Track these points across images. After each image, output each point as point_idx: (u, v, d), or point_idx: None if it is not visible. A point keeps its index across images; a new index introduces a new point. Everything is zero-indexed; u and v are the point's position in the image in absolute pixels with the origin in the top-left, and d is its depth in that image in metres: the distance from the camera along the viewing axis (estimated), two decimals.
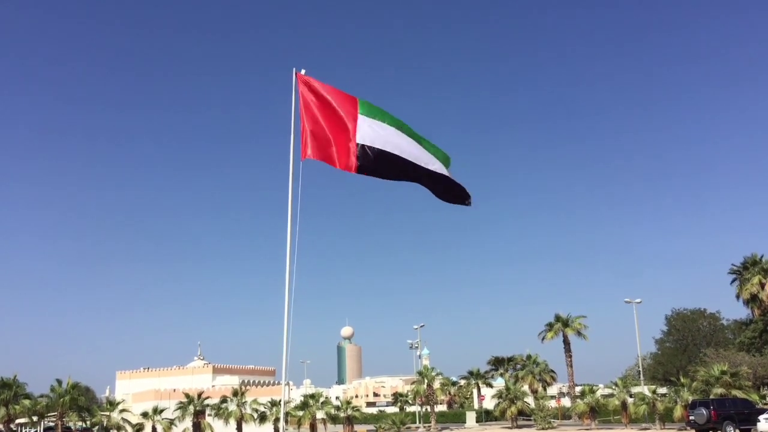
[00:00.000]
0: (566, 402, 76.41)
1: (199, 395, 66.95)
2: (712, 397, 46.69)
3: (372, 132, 10.10)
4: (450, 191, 10.33)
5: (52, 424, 65.53)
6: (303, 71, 10.69)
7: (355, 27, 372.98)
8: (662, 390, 60.12)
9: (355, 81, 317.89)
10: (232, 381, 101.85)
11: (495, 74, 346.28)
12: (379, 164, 10.05)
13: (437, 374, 73.23)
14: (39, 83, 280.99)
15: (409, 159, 10.07)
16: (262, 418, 64.30)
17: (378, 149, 9.98)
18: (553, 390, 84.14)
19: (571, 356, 66.97)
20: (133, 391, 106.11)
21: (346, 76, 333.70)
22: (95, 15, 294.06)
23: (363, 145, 10.02)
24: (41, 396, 60.10)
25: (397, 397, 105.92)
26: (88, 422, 64.92)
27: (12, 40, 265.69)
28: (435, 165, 10.21)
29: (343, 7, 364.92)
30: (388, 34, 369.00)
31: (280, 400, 64.02)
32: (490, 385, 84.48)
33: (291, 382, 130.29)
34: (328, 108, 10.45)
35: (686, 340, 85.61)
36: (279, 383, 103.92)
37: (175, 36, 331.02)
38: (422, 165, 10.11)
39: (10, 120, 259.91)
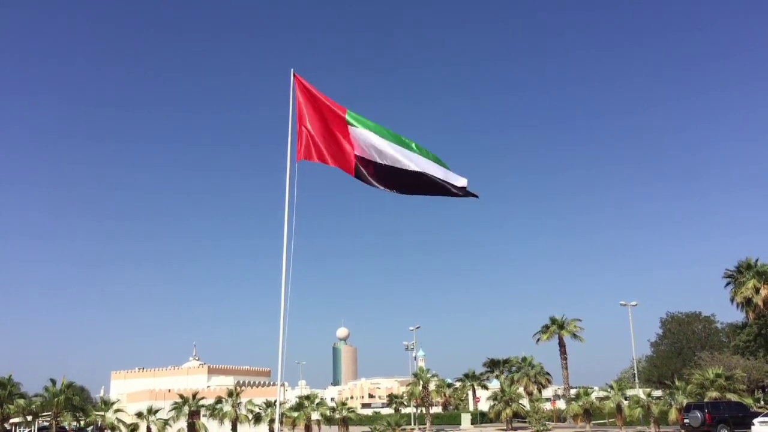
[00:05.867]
0: (561, 404, 76.48)
1: (194, 396, 66.73)
2: (706, 400, 46.83)
3: (362, 143, 10.20)
4: (449, 187, 10.03)
5: (46, 423, 65.20)
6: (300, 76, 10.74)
7: (353, 28, 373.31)
8: (657, 393, 60.32)
9: (352, 82, 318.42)
10: (227, 381, 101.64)
11: (494, 75, 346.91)
12: (373, 175, 10.11)
13: (433, 376, 73.21)
14: (37, 82, 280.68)
15: (403, 168, 9.98)
16: (257, 419, 64.18)
17: (372, 161, 10.07)
18: (548, 392, 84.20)
19: (566, 358, 67.04)
20: (128, 391, 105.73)
21: (343, 77, 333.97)
22: (94, 16, 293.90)
23: (358, 156, 10.13)
24: (36, 395, 59.81)
25: (393, 399, 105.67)
26: (82, 422, 64.70)
27: (12, 39, 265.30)
28: (428, 166, 10.00)
29: (340, 8, 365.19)
30: (387, 35, 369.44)
31: (275, 401, 63.93)
32: (485, 387, 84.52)
33: (286, 383, 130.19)
34: (325, 110, 10.52)
35: (681, 343, 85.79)
36: (274, 384, 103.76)
37: (171, 36, 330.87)
38: (417, 170, 9.95)
39: (9, 119, 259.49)
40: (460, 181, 9.93)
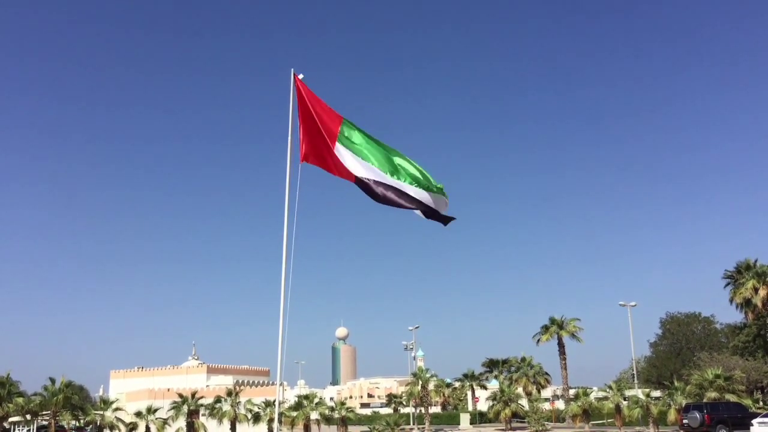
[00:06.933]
0: (560, 404, 76.52)
1: (193, 395, 66.72)
2: (705, 400, 46.85)
3: (347, 162, 10.25)
4: (430, 211, 10.07)
5: (45, 422, 65.09)
6: (301, 75, 10.70)
7: (353, 28, 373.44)
8: (656, 393, 60.24)
9: (352, 82, 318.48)
10: (227, 381, 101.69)
11: (492, 76, 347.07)
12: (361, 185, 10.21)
13: (432, 376, 73.20)
14: (40, 83, 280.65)
15: (383, 182, 10.06)
16: (256, 418, 64.14)
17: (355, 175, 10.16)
18: (547, 392, 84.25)
19: (565, 359, 67.03)
20: (127, 390, 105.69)
21: (342, 77, 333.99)
22: (96, 17, 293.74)
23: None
24: (35, 394, 59.74)
25: (392, 399, 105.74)
26: (81, 421, 64.59)
27: (14, 39, 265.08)
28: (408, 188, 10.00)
29: (341, 9, 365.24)
30: (387, 35, 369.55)
31: (274, 401, 63.94)
32: (484, 387, 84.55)
33: (285, 383, 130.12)
34: (322, 115, 10.50)
35: (680, 343, 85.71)
36: (273, 383, 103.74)
37: (170, 36, 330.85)
38: (395, 186, 10.03)
39: (10, 119, 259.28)
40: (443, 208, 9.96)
